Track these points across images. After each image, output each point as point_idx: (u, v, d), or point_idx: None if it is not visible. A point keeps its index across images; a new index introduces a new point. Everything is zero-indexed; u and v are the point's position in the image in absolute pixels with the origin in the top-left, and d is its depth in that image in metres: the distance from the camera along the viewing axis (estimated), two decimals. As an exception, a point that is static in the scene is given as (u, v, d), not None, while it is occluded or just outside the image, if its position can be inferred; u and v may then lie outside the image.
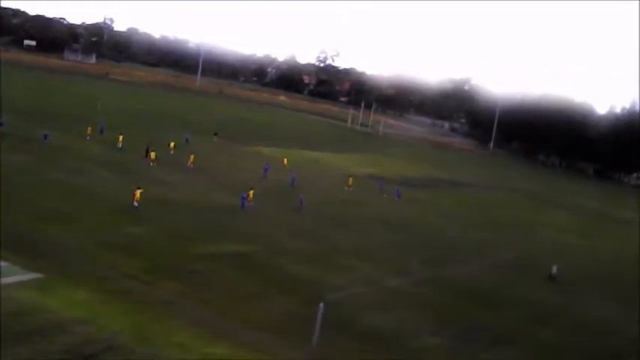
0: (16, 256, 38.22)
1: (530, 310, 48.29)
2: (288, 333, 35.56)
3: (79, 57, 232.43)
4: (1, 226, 43.11)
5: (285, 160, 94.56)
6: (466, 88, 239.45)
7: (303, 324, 36.58)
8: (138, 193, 56.66)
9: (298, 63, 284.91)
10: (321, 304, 29.18)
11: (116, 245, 44.90)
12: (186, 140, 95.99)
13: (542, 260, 62.17)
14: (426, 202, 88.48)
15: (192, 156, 79.69)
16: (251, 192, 64.99)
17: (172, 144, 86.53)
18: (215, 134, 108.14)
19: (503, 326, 43.69)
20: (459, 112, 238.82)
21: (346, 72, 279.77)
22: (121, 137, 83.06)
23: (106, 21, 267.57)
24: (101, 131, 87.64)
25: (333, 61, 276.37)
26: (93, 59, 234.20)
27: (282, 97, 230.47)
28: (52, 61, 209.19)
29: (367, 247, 57.43)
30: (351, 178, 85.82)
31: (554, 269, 57.72)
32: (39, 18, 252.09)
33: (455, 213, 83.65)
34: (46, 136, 75.13)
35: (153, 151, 77.67)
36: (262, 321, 36.64)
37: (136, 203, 55.94)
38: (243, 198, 63.56)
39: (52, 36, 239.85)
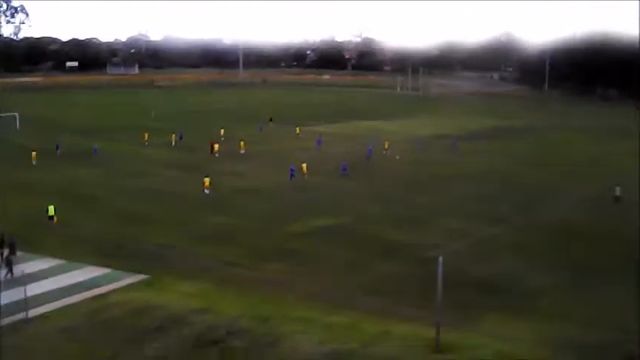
0: (115, 262, 38.81)
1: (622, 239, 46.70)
2: (403, 294, 35.15)
3: (122, 70, 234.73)
4: (91, 236, 44.21)
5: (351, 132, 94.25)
6: (507, 40, 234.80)
7: (414, 283, 36.38)
8: (207, 181, 57.83)
9: (336, 41, 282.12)
10: (440, 257, 28.53)
11: (207, 237, 45.12)
12: (260, 129, 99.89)
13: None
14: (494, 152, 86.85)
15: (242, 142, 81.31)
16: (304, 165, 65.75)
17: (222, 131, 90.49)
18: (270, 120, 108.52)
19: (607, 258, 42.26)
20: (506, 62, 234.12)
21: (384, 44, 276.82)
22: (173, 136, 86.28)
23: (141, 33, 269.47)
24: (180, 138, 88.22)
25: (370, 34, 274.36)
26: (136, 70, 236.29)
27: (326, 76, 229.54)
28: (96, 78, 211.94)
29: (450, 204, 56.48)
30: (387, 142, 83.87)
31: (618, 191, 57.14)
32: (74, 41, 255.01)
33: (524, 158, 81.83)
34: (95, 151, 76.26)
35: (216, 143, 79.31)
36: (374, 286, 36.35)
37: (207, 191, 57.03)
38: (292, 170, 64.15)
39: (92, 54, 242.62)
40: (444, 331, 28.67)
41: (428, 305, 30.30)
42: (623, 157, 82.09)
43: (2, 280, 34.91)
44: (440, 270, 28.33)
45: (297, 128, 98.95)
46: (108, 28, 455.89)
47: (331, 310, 32.34)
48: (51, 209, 46.57)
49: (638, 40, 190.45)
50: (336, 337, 29.36)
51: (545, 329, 31.01)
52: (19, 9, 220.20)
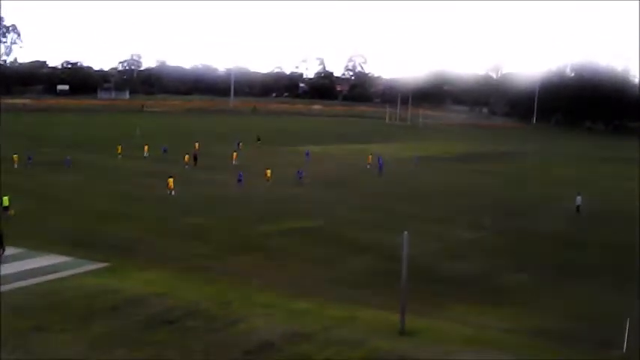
0: (77, 251, 37.69)
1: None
2: (369, 285, 34.26)
3: (113, 95, 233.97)
4: (55, 229, 43.46)
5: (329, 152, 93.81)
6: (497, 75, 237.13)
7: (384, 277, 35.39)
8: (171, 181, 57.88)
9: (328, 73, 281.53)
10: (405, 232, 27.77)
11: (178, 233, 44.31)
12: (238, 145, 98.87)
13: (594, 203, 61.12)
14: (477, 171, 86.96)
15: (234, 154, 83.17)
16: (268, 171, 67.16)
17: (197, 145, 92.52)
18: (258, 139, 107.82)
19: (578, 261, 41.48)
20: (496, 96, 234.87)
21: (376, 78, 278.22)
22: (146, 147, 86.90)
23: (134, 57, 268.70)
24: (164, 151, 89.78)
25: (362, 68, 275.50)
26: (127, 95, 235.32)
27: (316, 106, 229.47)
28: (87, 102, 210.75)
29: (430, 212, 55.70)
30: (370, 156, 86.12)
31: (578, 200, 58.46)
32: (66, 64, 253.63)
33: (503, 177, 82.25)
34: (67, 162, 74.45)
35: (187, 154, 79.76)
36: (341, 278, 35.45)
37: (172, 191, 57.33)
38: (240, 175, 65.35)
39: (83, 78, 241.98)
40: (412, 318, 27.74)
41: (397, 295, 29.24)
42: (599, 178, 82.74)
43: None
44: (405, 247, 27.54)
45: (240, 144, 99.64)
46: (101, 52, 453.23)
47: (297, 298, 31.35)
48: (5, 200, 45.99)
49: (625, 74, 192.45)
50: (299, 320, 28.35)
51: (515, 318, 30.11)
52: (10, 28, 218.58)
